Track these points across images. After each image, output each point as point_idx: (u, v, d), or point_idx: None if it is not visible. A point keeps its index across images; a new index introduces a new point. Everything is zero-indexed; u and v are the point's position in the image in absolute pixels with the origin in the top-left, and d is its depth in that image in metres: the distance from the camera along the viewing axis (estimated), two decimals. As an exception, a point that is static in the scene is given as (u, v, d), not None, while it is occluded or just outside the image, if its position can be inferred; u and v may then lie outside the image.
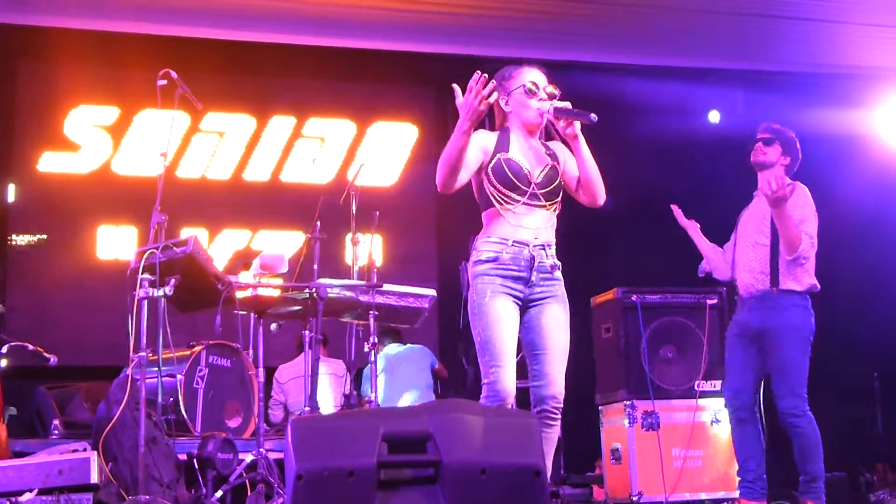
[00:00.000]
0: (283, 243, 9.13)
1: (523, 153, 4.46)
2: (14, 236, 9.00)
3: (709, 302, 6.60)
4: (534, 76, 4.54)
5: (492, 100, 4.24)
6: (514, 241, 4.36)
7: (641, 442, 6.31)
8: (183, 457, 5.48)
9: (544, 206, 4.40)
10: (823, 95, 9.32)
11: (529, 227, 4.37)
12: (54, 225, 9.13)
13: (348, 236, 6.93)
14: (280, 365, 8.25)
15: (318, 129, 9.84)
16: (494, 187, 4.42)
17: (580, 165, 4.46)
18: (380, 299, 6.13)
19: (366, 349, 6.26)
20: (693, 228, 6.37)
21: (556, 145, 4.58)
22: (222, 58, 9.12)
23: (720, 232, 9.32)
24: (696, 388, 6.47)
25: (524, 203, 4.38)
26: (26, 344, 6.28)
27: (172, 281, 5.18)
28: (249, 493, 5.32)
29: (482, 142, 4.46)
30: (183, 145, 9.48)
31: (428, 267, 9.71)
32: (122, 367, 6.37)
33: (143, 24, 8.63)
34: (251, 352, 6.63)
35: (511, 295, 4.34)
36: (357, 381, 7.44)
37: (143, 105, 9.30)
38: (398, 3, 8.34)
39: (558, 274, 4.42)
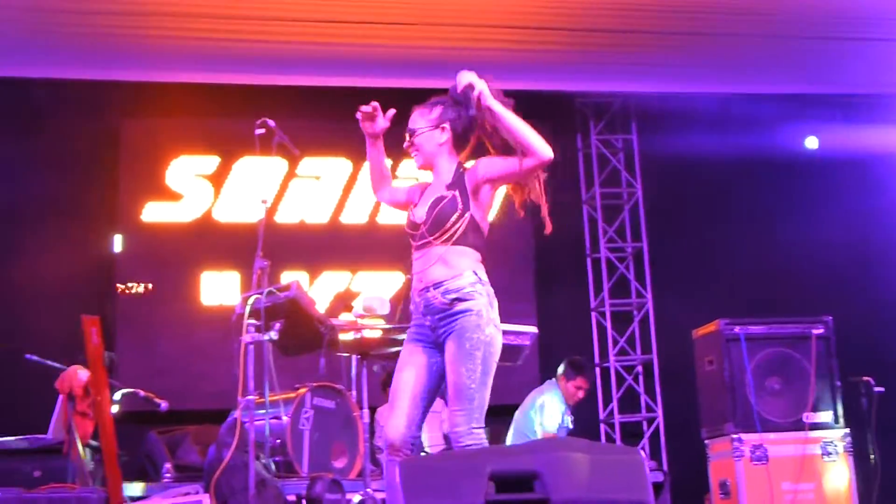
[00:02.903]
0: (383, 284, 9.21)
1: (423, 199, 4.40)
2: (122, 285, 9.25)
3: (814, 332, 6.49)
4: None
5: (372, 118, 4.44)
6: (412, 289, 4.35)
7: (750, 476, 6.21)
8: (292, 498, 5.55)
9: (430, 243, 4.25)
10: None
11: (418, 271, 4.29)
12: (159, 273, 9.35)
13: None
14: (379, 408, 8.31)
15: (413, 171, 9.92)
16: None
17: (505, 132, 4.23)
18: (481, 337, 6.14)
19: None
20: None
21: (476, 164, 4.36)
22: (317, 104, 9.28)
23: (821, 255, 9.23)
24: (804, 420, 6.35)
25: (416, 247, 4.32)
26: (138, 390, 6.44)
27: (277, 325, 5.27)
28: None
29: (412, 189, 4.54)
30: (281, 191, 9.65)
31: (526, 304, 9.69)
32: (230, 411, 6.49)
33: (239, 75, 8.86)
34: (355, 393, 6.70)
35: (423, 341, 4.28)
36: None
37: (242, 153, 9.49)
38: (494, 42, 8.42)
39: (462, 306, 4.15)
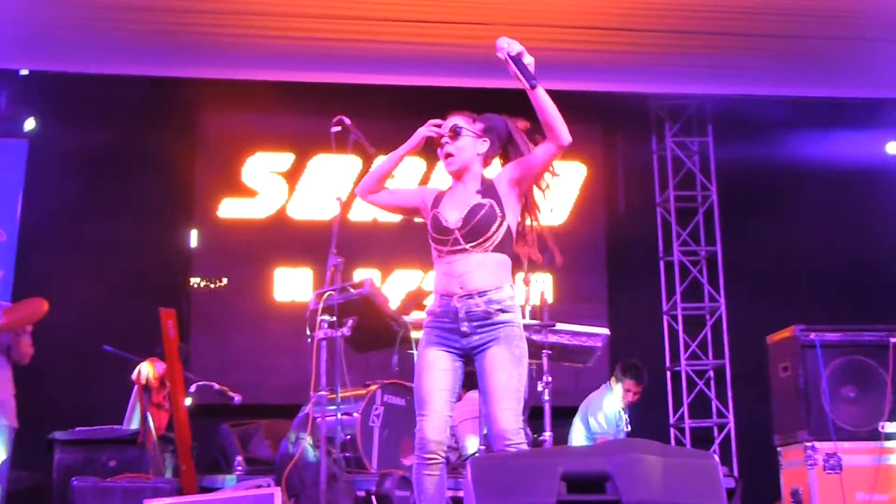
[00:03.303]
0: (455, 283, 9.22)
1: (449, 204, 4.46)
2: (196, 280, 9.38)
3: (892, 340, 6.36)
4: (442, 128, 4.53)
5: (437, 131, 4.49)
6: (441, 294, 4.37)
7: (823, 485, 6.12)
8: (361, 493, 5.58)
9: (468, 250, 4.33)
10: None
11: (455, 276, 4.33)
12: (233, 268, 9.47)
13: (519, 276, 6.96)
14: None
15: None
16: (430, 244, 4.46)
17: (537, 110, 4.29)
18: (552, 338, 6.14)
19: (539, 388, 6.25)
20: None
21: (501, 173, 4.50)
22: (393, 102, 9.32)
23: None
24: (880, 429, 6.23)
25: (448, 252, 4.37)
26: (212, 383, 6.52)
27: (350, 322, 5.30)
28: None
29: (424, 192, 4.64)
30: (355, 189, 9.68)
31: (598, 306, 9.66)
32: (301, 406, 6.55)
33: (315, 72, 8.93)
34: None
35: (445, 345, 4.34)
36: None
37: (317, 150, 9.58)
38: (571, 43, 8.40)
39: (503, 317, 4.30)
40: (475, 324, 4.30)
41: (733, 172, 9.97)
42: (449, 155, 4.50)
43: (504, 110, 4.66)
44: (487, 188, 4.45)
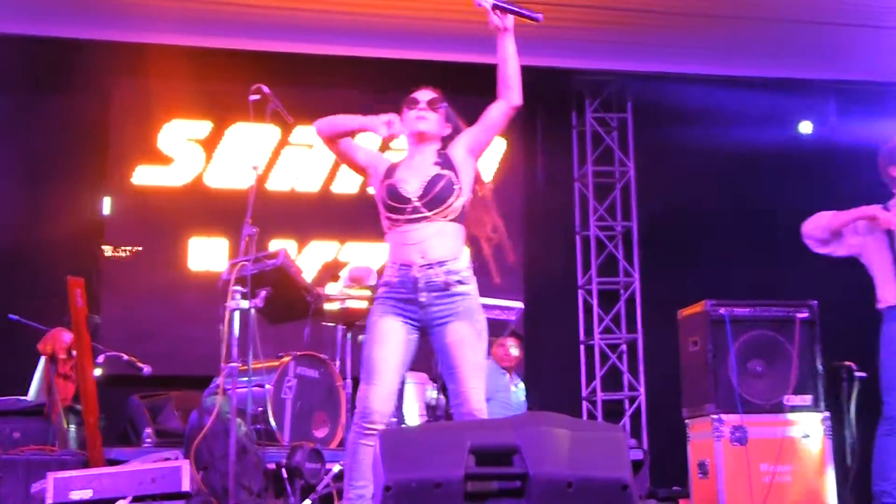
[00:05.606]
0: (371, 255, 9.20)
1: (405, 172, 4.44)
2: (108, 248, 9.23)
3: (799, 316, 6.48)
4: (416, 94, 4.54)
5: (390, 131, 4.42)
6: (400, 264, 4.34)
7: (729, 456, 6.23)
8: (272, 466, 5.56)
9: (428, 218, 4.33)
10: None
11: (414, 244, 4.32)
12: (147, 237, 9.33)
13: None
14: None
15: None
16: (383, 214, 4.45)
17: (502, 59, 4.43)
18: (466, 311, 6.13)
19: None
20: None
21: (455, 144, 4.52)
22: (313, 71, 9.24)
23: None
24: (785, 402, 6.36)
25: (406, 220, 4.34)
26: (121, 354, 6.43)
27: (263, 293, 5.26)
28: (336, 503, 5.38)
29: (377, 159, 4.57)
30: (273, 158, 9.61)
31: (514, 279, 9.69)
32: (213, 377, 6.49)
33: (234, 39, 8.82)
34: (339, 363, 6.70)
35: (403, 316, 4.31)
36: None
37: (235, 119, 9.45)
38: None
39: (462, 288, 4.32)
40: (434, 294, 4.28)
41: (651, 150, 10.09)
42: (423, 118, 4.46)
43: (422, 82, 4.64)
44: (445, 160, 4.44)
